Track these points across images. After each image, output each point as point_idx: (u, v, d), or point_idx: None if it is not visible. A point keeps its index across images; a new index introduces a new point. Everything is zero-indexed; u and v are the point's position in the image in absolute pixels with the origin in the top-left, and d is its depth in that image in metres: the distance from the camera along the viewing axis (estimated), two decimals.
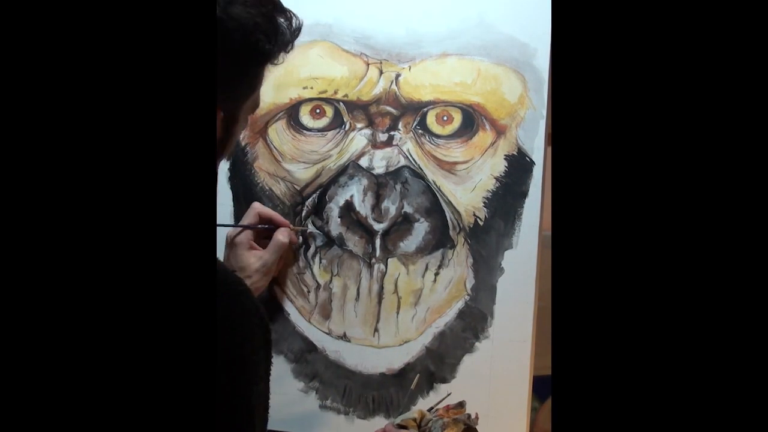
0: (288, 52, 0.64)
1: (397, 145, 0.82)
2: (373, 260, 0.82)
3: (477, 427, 0.73)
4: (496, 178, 0.80)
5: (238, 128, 0.65)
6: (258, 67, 0.62)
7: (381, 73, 0.83)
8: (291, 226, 0.83)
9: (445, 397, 0.77)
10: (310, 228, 0.83)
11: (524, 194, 0.79)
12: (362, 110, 0.83)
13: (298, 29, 0.64)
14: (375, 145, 0.83)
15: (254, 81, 0.63)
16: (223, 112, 0.60)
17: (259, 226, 0.81)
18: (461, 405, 0.74)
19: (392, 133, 0.82)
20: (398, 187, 0.82)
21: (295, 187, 0.85)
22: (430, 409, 0.75)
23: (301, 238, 0.84)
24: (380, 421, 0.80)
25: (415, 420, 0.72)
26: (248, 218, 0.82)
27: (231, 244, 0.80)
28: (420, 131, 0.82)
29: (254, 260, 0.79)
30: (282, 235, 0.81)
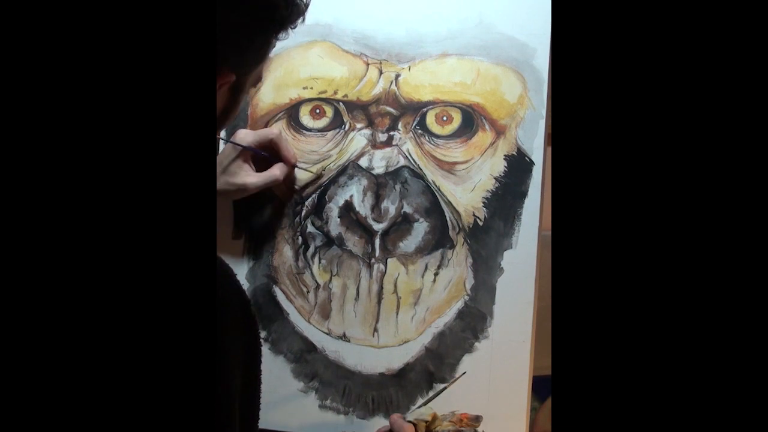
0: (297, 24, 0.63)
1: (396, 145, 0.82)
2: (373, 260, 0.82)
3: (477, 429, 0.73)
4: (496, 178, 0.80)
5: (241, 98, 0.65)
6: (271, 33, 0.62)
7: (381, 73, 0.83)
8: (296, 163, 0.83)
9: (460, 376, 0.77)
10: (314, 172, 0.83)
11: (524, 194, 0.79)
12: (362, 110, 0.83)
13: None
14: (375, 145, 0.83)
15: (264, 49, 0.63)
16: (236, 76, 0.60)
17: (262, 153, 0.81)
18: (477, 419, 0.73)
19: (392, 133, 0.82)
20: (398, 187, 0.82)
21: (295, 187, 0.85)
22: (427, 400, 0.75)
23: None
24: (380, 421, 0.80)
25: (425, 422, 0.72)
26: (262, 133, 0.81)
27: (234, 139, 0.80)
28: (419, 131, 0.82)
29: (242, 173, 0.80)
30: (278, 170, 0.81)
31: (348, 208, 0.83)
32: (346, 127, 0.84)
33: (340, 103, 0.84)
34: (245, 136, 0.81)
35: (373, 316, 0.82)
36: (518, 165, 0.80)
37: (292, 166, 0.83)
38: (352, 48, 0.84)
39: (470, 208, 0.81)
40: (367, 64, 0.83)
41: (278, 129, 0.82)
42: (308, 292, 0.84)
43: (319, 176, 0.83)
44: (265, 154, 0.82)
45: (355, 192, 0.83)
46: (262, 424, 0.81)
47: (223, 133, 0.85)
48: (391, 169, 0.82)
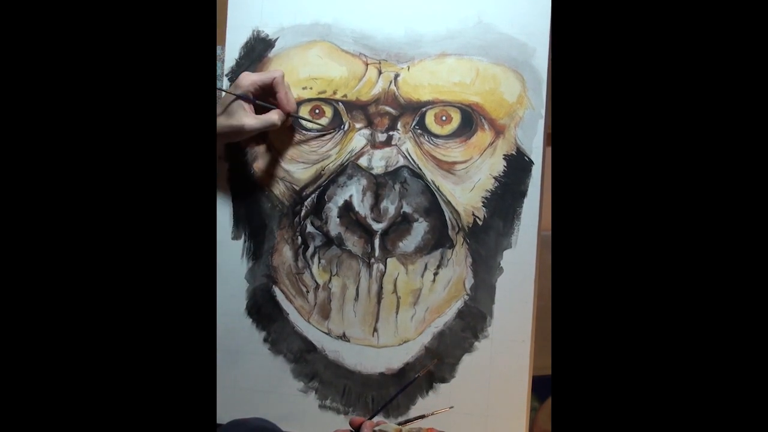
0: None
1: (396, 145, 0.82)
2: (372, 260, 0.82)
3: (474, 429, 0.72)
4: (495, 178, 0.80)
5: None
6: None
7: (380, 73, 0.83)
8: (291, 113, 0.83)
9: (444, 410, 0.77)
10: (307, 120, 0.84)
11: (523, 194, 0.79)
12: (361, 110, 0.83)
13: None
14: (374, 145, 0.83)
15: None
16: None
17: (258, 101, 0.82)
18: None
19: (391, 133, 0.82)
20: (397, 186, 0.82)
21: (295, 187, 0.85)
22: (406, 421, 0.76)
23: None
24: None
25: None
26: (264, 76, 0.82)
27: (238, 84, 0.82)
28: (419, 131, 0.82)
29: (240, 113, 0.81)
30: (276, 115, 0.82)
31: (347, 208, 0.83)
32: (346, 127, 0.84)
33: (340, 103, 0.84)
34: (246, 77, 0.82)
35: (373, 316, 0.82)
36: (517, 165, 0.80)
37: (288, 114, 0.83)
38: (351, 48, 0.84)
39: (470, 208, 0.81)
40: (367, 64, 0.83)
41: (281, 72, 0.82)
42: (308, 292, 0.84)
43: (326, 131, 0.83)
44: (260, 103, 0.82)
45: (354, 192, 0.83)
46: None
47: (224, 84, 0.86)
48: (390, 168, 0.82)
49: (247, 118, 0.81)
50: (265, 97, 0.82)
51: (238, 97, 0.80)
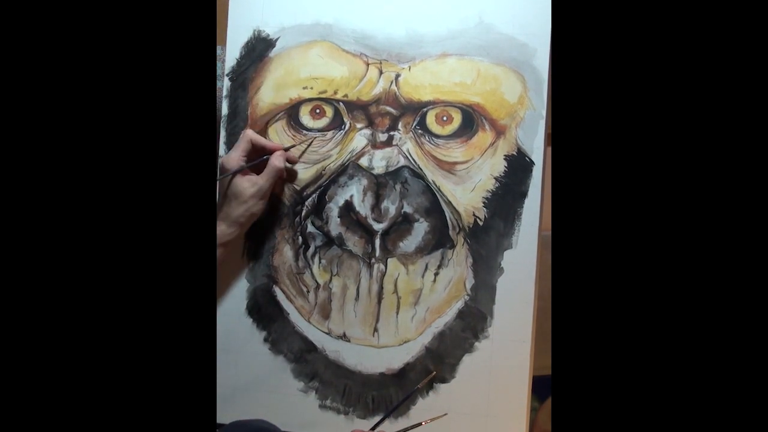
0: None
1: (396, 145, 0.82)
2: (373, 260, 0.82)
3: (474, 429, 0.73)
4: (496, 179, 0.80)
5: None
6: None
7: (381, 73, 0.83)
8: (284, 147, 0.83)
9: (439, 417, 0.77)
10: (302, 141, 0.84)
11: (524, 194, 0.79)
12: (362, 110, 0.83)
13: None
14: (375, 145, 0.83)
15: None
16: None
17: (252, 163, 0.81)
18: None
19: (392, 133, 0.82)
20: (398, 187, 0.82)
21: (295, 187, 0.85)
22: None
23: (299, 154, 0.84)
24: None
25: None
26: (240, 146, 0.81)
27: (224, 171, 0.81)
28: (420, 131, 0.82)
29: (248, 185, 0.80)
30: (277, 161, 0.82)
31: (348, 208, 0.83)
32: (347, 127, 0.84)
33: (340, 103, 0.84)
34: (228, 159, 0.80)
35: (374, 316, 0.82)
36: (518, 165, 0.80)
37: (284, 150, 0.83)
38: (352, 48, 0.84)
39: (470, 208, 0.81)
40: (367, 64, 0.83)
41: (247, 131, 0.82)
42: (308, 292, 0.84)
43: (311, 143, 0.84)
44: (254, 163, 0.81)
45: (355, 192, 0.83)
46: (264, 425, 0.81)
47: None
48: (391, 169, 0.82)
49: (254, 182, 0.81)
50: (256, 156, 0.82)
51: (235, 173, 0.80)
